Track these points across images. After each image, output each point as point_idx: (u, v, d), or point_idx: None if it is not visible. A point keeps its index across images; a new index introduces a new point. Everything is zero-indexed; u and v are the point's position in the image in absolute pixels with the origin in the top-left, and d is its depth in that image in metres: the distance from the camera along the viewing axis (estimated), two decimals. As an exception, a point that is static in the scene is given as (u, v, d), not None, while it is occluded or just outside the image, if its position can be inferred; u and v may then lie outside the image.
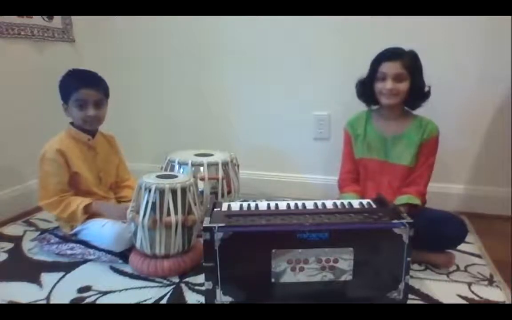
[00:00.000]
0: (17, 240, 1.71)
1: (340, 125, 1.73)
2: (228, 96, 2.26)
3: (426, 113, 1.65)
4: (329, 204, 1.32)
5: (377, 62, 1.57)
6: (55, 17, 2.20)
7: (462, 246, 1.61)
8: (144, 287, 1.37)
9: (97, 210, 1.59)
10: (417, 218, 1.30)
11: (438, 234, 1.44)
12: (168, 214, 1.39)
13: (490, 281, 1.38)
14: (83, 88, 1.58)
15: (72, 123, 1.65)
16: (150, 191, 1.38)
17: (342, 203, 1.32)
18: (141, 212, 1.39)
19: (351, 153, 1.71)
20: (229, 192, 1.82)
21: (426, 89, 1.57)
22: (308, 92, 2.12)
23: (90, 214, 1.59)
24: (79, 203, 1.57)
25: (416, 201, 1.50)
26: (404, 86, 1.53)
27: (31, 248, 1.63)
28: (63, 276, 1.43)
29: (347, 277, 1.16)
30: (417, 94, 1.57)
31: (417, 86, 1.55)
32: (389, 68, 1.53)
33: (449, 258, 1.49)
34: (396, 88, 1.53)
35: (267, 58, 2.15)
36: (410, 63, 1.53)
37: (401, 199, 1.50)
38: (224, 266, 1.14)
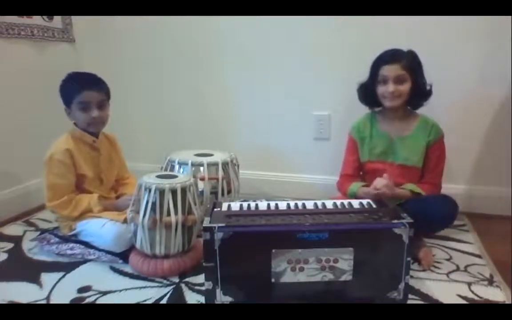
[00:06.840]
0: (17, 240, 1.71)
1: (340, 125, 1.73)
2: (228, 96, 2.26)
3: (426, 113, 1.65)
4: (329, 204, 1.32)
5: (377, 65, 1.57)
6: (55, 17, 2.20)
7: (462, 246, 1.62)
8: (144, 287, 1.37)
9: (106, 207, 1.61)
10: (411, 201, 1.45)
11: (425, 215, 1.38)
12: (168, 214, 1.39)
13: (490, 281, 1.38)
14: (85, 90, 1.57)
15: (76, 124, 1.64)
16: (150, 191, 1.38)
17: (342, 203, 1.32)
18: (141, 212, 1.39)
19: (353, 160, 1.68)
20: (229, 192, 1.82)
21: (428, 87, 1.58)
22: (308, 92, 2.12)
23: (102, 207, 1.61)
24: (90, 197, 1.59)
25: (418, 190, 1.53)
26: (405, 87, 1.53)
27: (31, 248, 1.63)
28: (63, 276, 1.43)
29: (347, 277, 1.16)
30: (419, 93, 1.57)
31: (419, 85, 1.56)
32: (390, 70, 1.53)
33: (425, 252, 1.49)
34: (398, 90, 1.53)
35: (267, 58, 2.15)
36: (410, 63, 1.53)
37: (407, 186, 1.54)
38: (224, 266, 1.14)
